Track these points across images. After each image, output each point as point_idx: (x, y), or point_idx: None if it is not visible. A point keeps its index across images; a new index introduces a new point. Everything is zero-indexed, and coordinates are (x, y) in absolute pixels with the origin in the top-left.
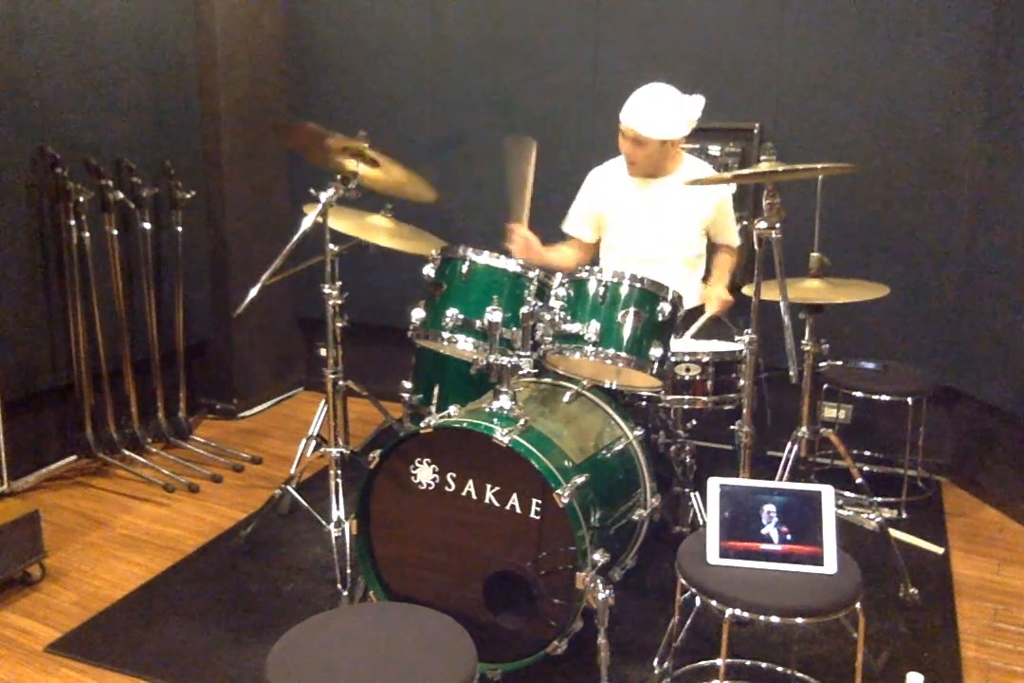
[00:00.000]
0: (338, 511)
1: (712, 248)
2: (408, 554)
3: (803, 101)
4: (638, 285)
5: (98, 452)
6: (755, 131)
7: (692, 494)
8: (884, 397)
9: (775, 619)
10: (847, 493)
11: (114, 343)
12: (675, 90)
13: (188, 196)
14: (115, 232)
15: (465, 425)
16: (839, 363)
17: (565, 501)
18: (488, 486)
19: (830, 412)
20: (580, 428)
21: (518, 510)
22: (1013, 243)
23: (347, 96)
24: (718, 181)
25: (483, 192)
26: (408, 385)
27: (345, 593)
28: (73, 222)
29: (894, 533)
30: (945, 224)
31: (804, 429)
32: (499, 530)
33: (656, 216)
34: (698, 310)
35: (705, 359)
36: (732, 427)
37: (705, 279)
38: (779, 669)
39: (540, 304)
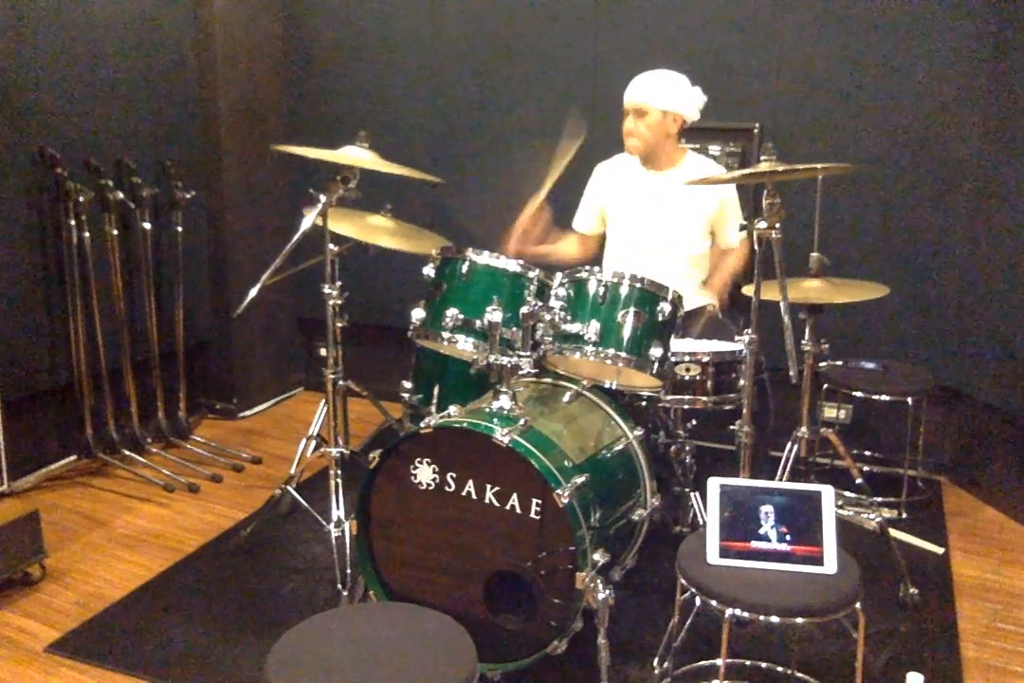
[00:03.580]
0: (338, 511)
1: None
2: (408, 554)
3: (803, 101)
4: (638, 285)
5: (98, 452)
6: (755, 131)
7: (692, 494)
8: (884, 397)
9: (775, 619)
10: (847, 493)
11: (114, 343)
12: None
13: (188, 196)
14: (115, 232)
15: (465, 425)
16: (839, 363)
17: (565, 501)
18: (488, 486)
19: (830, 412)
20: (580, 428)
21: (518, 510)
22: (1013, 243)
23: (347, 96)
24: (716, 181)
25: (486, 193)
26: (408, 385)
27: (345, 593)
28: (73, 222)
29: (894, 533)
30: (945, 224)
31: (804, 429)
32: (499, 530)
33: (659, 211)
34: (698, 311)
35: (705, 359)
36: (732, 427)
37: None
38: (779, 669)
39: (540, 304)
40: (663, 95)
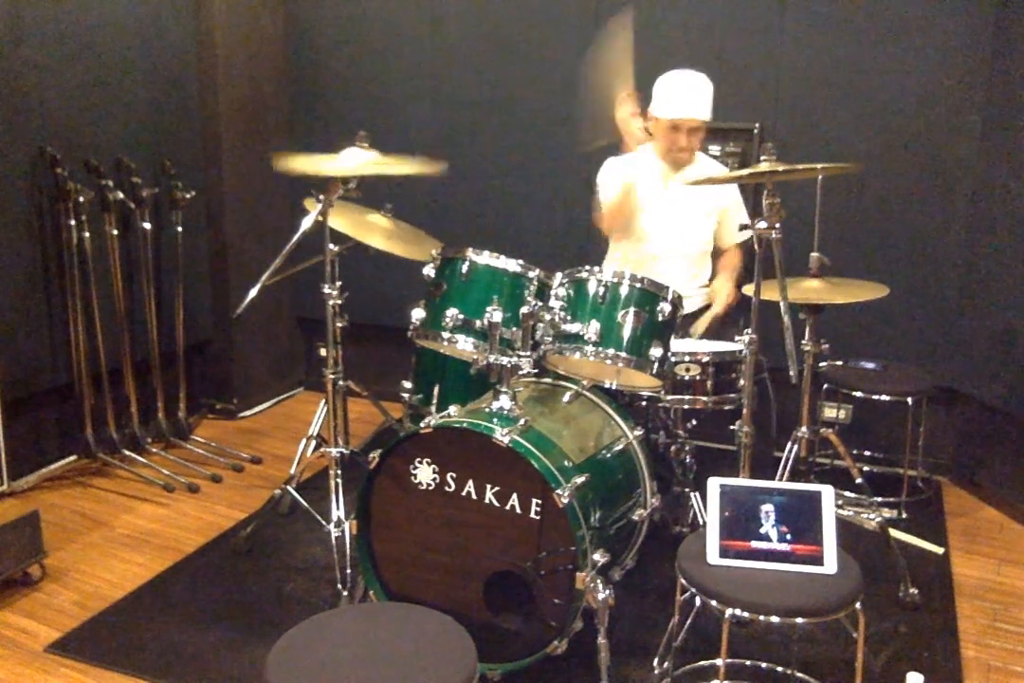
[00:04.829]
0: (338, 511)
1: (716, 251)
2: (408, 554)
3: (803, 101)
4: (638, 285)
5: (98, 452)
6: (755, 131)
7: (692, 494)
8: (884, 397)
9: (775, 619)
10: (847, 493)
11: (114, 343)
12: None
13: (188, 196)
14: (115, 232)
15: (465, 425)
16: (839, 363)
17: (565, 501)
18: (488, 486)
19: (830, 412)
20: (580, 428)
21: (518, 510)
22: (1013, 243)
23: (347, 96)
24: (716, 181)
25: (487, 193)
26: (408, 385)
27: (345, 593)
28: (73, 222)
29: (894, 533)
30: (945, 224)
31: (804, 429)
32: (499, 530)
33: (674, 210)
34: (704, 311)
35: (705, 359)
36: (732, 427)
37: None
38: (779, 669)
39: (540, 304)
40: (710, 105)
